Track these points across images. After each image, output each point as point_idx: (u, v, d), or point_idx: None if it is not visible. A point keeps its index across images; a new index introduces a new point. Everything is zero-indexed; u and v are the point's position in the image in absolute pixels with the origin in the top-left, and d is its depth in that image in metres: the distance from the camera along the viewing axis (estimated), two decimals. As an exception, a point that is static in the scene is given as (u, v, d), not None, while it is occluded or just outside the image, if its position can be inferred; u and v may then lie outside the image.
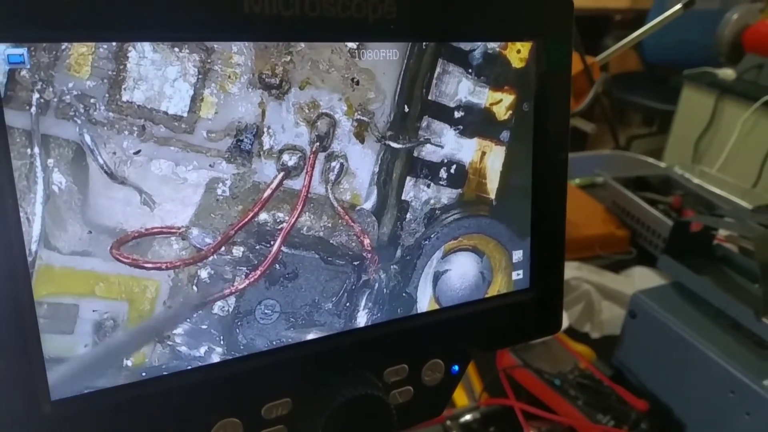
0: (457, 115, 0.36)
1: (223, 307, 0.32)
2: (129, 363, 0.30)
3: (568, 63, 0.39)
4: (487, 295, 0.40)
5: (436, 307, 0.38)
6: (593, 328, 0.77)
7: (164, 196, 0.30)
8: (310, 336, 0.35)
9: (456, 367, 0.40)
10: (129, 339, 0.30)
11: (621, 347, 0.71)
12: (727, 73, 1.63)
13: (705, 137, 1.66)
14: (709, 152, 1.64)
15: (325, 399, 0.34)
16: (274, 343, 0.34)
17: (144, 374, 0.31)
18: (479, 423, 0.61)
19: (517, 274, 0.41)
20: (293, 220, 0.33)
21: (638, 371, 0.69)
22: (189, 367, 0.32)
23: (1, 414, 0.27)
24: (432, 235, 0.37)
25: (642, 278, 0.86)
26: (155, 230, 0.30)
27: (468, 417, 0.62)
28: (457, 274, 0.39)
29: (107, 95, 0.28)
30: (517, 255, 0.41)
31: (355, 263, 0.35)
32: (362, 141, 0.34)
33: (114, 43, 0.27)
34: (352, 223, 0.35)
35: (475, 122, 0.37)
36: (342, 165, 0.34)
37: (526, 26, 0.38)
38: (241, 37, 0.30)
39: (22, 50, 0.26)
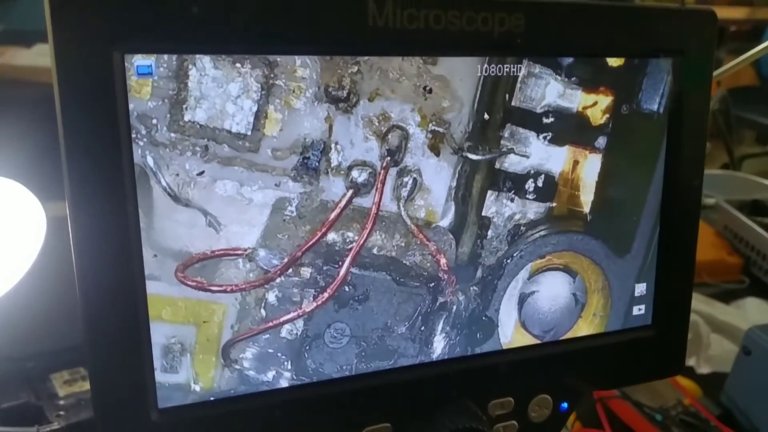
0: (546, 120, 0.33)
1: (291, 330, 0.31)
2: (197, 388, 0.30)
3: (708, 82, 0.35)
4: (581, 317, 0.36)
5: (522, 332, 0.35)
6: (700, 362, 0.71)
7: (230, 218, 0.29)
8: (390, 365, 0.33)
9: (565, 405, 0.37)
10: (196, 363, 0.30)
11: (731, 385, 0.64)
12: None
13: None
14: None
15: (427, 428, 0.32)
16: (344, 369, 0.32)
17: (247, 389, 0.30)
18: (571, 452, 0.57)
19: (639, 309, 0.37)
20: (363, 239, 0.31)
21: (751, 413, 0.61)
22: (293, 385, 0.31)
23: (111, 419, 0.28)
24: (515, 254, 0.34)
25: (755, 310, 0.78)
26: (221, 252, 0.29)
27: (559, 444, 0.58)
28: (546, 296, 0.35)
29: (169, 115, 0.27)
30: (640, 288, 0.37)
31: (431, 285, 0.33)
32: (437, 154, 0.31)
33: (174, 62, 0.27)
34: (427, 242, 0.32)
35: (566, 128, 0.33)
36: (415, 180, 0.31)
37: (664, 42, 0.34)
38: (366, 51, 0.29)
39: (85, 74, 0.26)
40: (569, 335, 0.36)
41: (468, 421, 0.32)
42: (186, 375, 0.30)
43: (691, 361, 0.71)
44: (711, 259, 0.86)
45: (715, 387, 0.65)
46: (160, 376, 0.29)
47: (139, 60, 0.26)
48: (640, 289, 0.37)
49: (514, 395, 0.35)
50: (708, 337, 0.71)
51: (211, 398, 0.30)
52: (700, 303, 0.76)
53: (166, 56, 0.26)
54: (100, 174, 0.26)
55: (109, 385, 0.28)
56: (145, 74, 0.26)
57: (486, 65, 0.31)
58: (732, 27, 2.31)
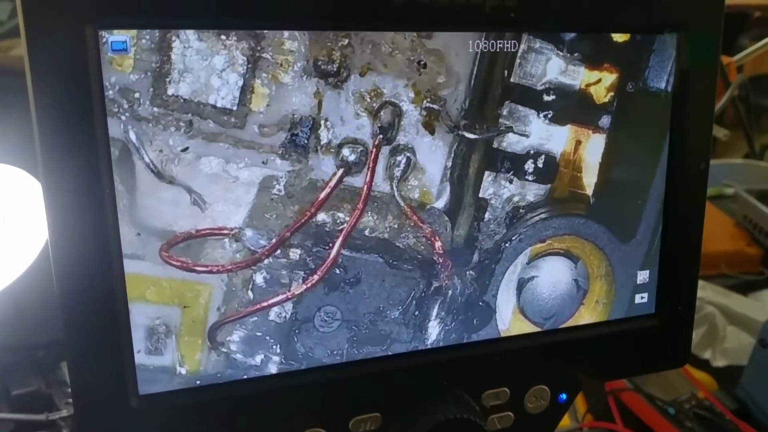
0: (546, 98, 0.31)
1: (280, 313, 0.30)
2: (183, 371, 0.29)
3: (715, 59, 0.34)
4: (583, 304, 0.35)
5: (521, 318, 0.34)
6: (716, 355, 0.69)
7: (215, 196, 0.28)
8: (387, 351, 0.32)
9: (564, 396, 0.36)
10: (182, 345, 0.29)
11: (748, 378, 0.62)
12: None
13: None
14: None
15: (418, 418, 0.31)
16: (335, 353, 0.31)
17: (234, 373, 0.30)
18: (581, 446, 0.56)
19: (641, 297, 0.36)
20: (354, 220, 0.30)
21: (767, 407, 0.60)
22: (279, 372, 0.30)
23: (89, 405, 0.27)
24: (514, 238, 0.33)
25: (774, 303, 0.75)
26: (206, 232, 0.28)
27: (569, 438, 0.56)
28: (546, 282, 0.34)
29: (152, 89, 0.26)
30: (643, 276, 0.36)
31: (425, 268, 0.32)
32: (432, 132, 0.30)
33: (157, 34, 0.26)
34: (421, 224, 0.31)
35: (568, 106, 0.32)
36: (409, 159, 0.30)
37: (669, 16, 0.33)
38: (353, 26, 0.28)
39: (64, 45, 0.25)
40: (570, 323, 0.35)
41: (460, 412, 0.31)
42: (171, 357, 0.29)
43: (706, 354, 0.69)
44: (730, 249, 0.84)
45: (730, 380, 0.64)
46: (144, 359, 0.28)
47: (114, 36, 0.25)
48: (643, 276, 0.35)
49: (509, 385, 0.34)
50: (724, 330, 0.70)
51: (196, 383, 0.29)
52: (717, 294, 0.74)
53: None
54: (74, 155, 0.25)
55: (86, 369, 0.27)
56: (119, 50, 0.25)
57: (482, 40, 0.30)
58: (756, 13, 2.24)
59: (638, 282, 0.36)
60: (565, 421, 0.59)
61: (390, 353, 0.32)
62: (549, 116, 0.32)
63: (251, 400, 0.30)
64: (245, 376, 0.30)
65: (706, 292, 0.74)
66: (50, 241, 0.25)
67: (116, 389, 0.28)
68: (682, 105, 0.34)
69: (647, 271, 0.36)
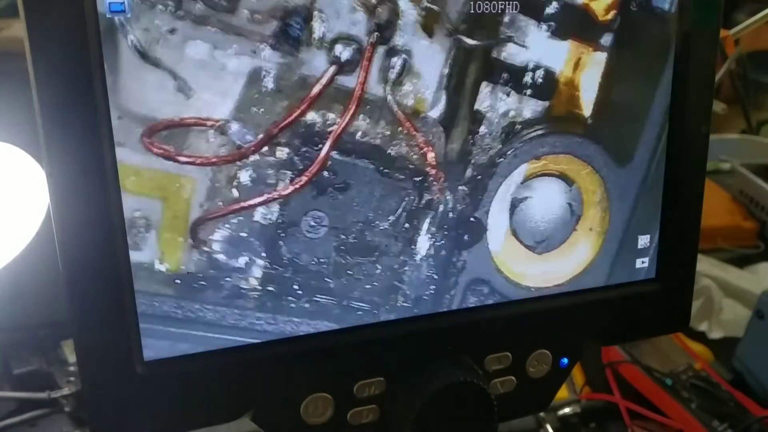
0: (548, 10, 0.31)
1: (266, 215, 0.29)
2: (163, 268, 0.28)
3: (717, 13, 0.33)
4: (576, 230, 0.34)
5: (513, 240, 0.33)
6: (712, 327, 0.69)
7: (201, 84, 0.27)
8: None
9: (565, 360, 0.35)
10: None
11: (744, 350, 0.63)
12: None
13: None
14: None
15: (422, 382, 0.31)
16: (322, 261, 0.30)
17: (236, 339, 0.29)
18: (579, 417, 0.56)
19: (642, 262, 0.35)
20: (345, 122, 0.29)
21: (763, 377, 0.60)
22: (281, 338, 0.30)
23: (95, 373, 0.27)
24: (509, 152, 0.32)
25: (769, 275, 0.75)
26: (190, 121, 0.27)
27: (567, 410, 0.56)
28: (539, 203, 0.33)
29: (139, -37, 0.25)
30: (644, 240, 0.35)
31: (417, 179, 0.31)
32: (430, 34, 0.29)
33: None
34: (415, 132, 0.30)
35: (570, 20, 0.31)
36: (405, 62, 0.29)
37: None
38: None
39: None
40: (564, 247, 0.34)
41: (464, 376, 0.31)
42: (151, 254, 0.28)
43: (702, 326, 0.69)
44: (726, 224, 0.85)
45: (726, 352, 0.64)
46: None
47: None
48: (644, 241, 0.35)
49: (511, 350, 0.34)
50: (720, 302, 0.70)
51: (175, 282, 0.28)
52: (713, 267, 0.74)
53: None
54: (74, 119, 0.25)
55: (90, 337, 0.27)
56: (117, 12, 0.25)
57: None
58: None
59: (639, 246, 0.35)
60: (563, 393, 0.58)
61: (394, 317, 0.31)
62: (551, 29, 0.31)
63: (256, 366, 0.29)
64: (228, 279, 0.29)
65: (702, 265, 0.74)
66: (53, 213, 0.25)
67: (122, 357, 0.27)
68: (686, 28, 0.33)
69: (648, 236, 0.35)
